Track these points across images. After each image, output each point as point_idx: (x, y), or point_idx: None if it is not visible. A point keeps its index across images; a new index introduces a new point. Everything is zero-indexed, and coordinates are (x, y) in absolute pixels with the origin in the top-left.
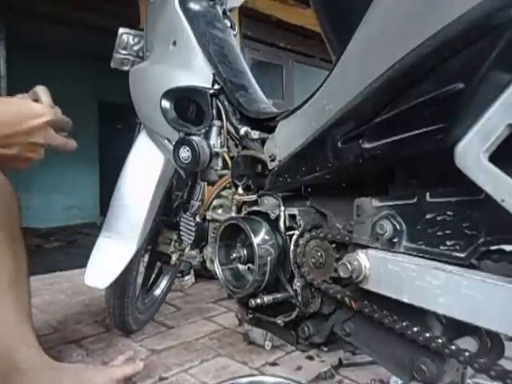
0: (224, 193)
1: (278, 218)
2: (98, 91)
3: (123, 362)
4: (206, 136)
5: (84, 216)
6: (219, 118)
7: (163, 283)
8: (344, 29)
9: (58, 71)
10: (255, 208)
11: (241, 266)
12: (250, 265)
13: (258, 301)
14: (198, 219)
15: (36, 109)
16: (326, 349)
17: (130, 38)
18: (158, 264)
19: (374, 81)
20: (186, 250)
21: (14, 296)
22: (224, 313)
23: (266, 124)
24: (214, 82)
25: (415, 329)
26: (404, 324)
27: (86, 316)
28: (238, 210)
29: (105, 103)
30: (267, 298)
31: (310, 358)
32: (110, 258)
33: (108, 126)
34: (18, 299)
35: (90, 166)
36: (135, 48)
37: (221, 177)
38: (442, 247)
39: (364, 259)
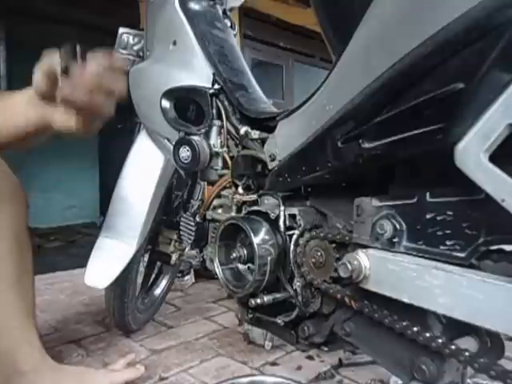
0: (224, 193)
1: (277, 217)
2: None
3: (124, 366)
4: (206, 136)
5: (84, 216)
6: (219, 117)
7: (163, 283)
8: (344, 29)
9: None
10: (255, 208)
11: (241, 266)
12: (249, 264)
13: (258, 301)
14: (197, 219)
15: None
16: (326, 349)
17: (130, 37)
18: (158, 264)
19: (373, 81)
20: (186, 249)
21: (19, 296)
22: (224, 313)
23: (266, 124)
24: (214, 81)
25: (415, 329)
26: (404, 324)
27: (86, 316)
28: (238, 210)
29: None
30: (267, 298)
31: (310, 357)
32: (110, 257)
33: (108, 126)
34: (22, 299)
35: (90, 166)
36: (135, 48)
37: (221, 176)
38: (442, 247)
39: (364, 259)
